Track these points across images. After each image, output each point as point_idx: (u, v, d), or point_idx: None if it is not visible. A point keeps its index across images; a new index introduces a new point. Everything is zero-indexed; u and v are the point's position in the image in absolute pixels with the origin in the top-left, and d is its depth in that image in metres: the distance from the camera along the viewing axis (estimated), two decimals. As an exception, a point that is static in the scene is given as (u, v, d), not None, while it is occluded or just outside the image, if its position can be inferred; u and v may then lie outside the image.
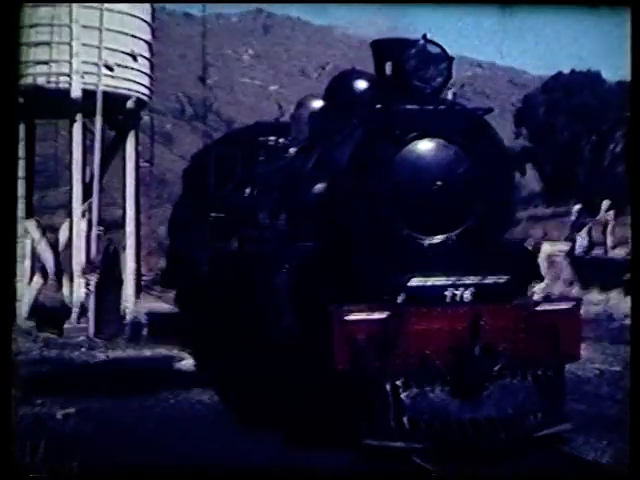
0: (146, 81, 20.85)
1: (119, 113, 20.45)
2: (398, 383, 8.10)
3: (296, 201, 10.05)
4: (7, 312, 8.96)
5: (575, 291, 24.88)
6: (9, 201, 8.45)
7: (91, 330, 18.69)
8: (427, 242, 8.95)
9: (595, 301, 23.85)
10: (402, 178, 8.87)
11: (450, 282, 8.67)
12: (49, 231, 21.08)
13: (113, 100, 19.68)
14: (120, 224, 21.28)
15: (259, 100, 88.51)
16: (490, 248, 9.01)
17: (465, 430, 8.17)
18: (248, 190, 12.27)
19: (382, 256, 8.61)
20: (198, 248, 14.16)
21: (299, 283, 8.73)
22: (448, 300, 8.66)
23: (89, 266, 19.35)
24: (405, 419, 8.10)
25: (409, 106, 9.07)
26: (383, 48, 9.60)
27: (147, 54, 20.82)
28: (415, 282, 8.52)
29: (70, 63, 18.94)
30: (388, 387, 8.07)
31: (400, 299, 8.43)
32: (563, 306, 9.04)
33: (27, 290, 19.95)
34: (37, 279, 20.30)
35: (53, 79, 19.05)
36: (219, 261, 12.35)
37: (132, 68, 20.14)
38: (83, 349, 16.96)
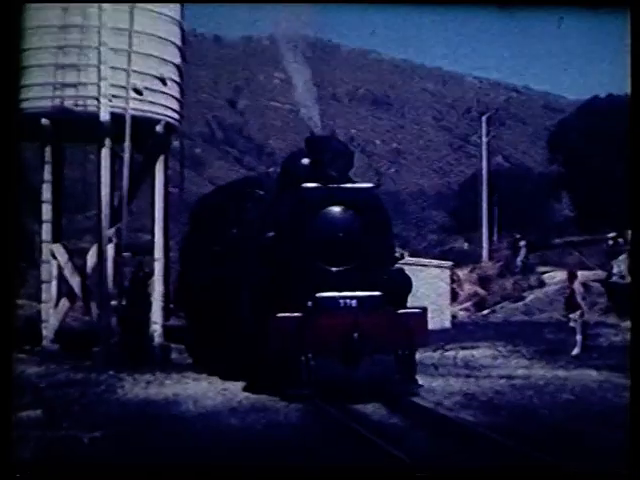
0: (176, 105, 20.63)
1: (148, 137, 20.06)
2: (309, 355, 13.25)
3: (258, 241, 14.98)
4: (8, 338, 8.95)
5: (611, 319, 24.46)
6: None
7: (119, 354, 18.55)
8: (333, 270, 14.22)
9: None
10: (318, 230, 14.30)
11: (342, 295, 13.98)
12: (77, 255, 20.86)
13: (142, 124, 19.49)
14: (149, 249, 20.99)
15: (289, 124, 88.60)
16: (373, 274, 14.29)
17: (348, 384, 13.16)
18: (235, 231, 16.95)
19: (303, 279, 14.04)
20: (201, 272, 18.24)
21: (254, 296, 14.35)
22: (342, 306, 13.95)
23: (117, 290, 19.21)
24: (313, 377, 13.17)
25: (323, 185, 14.51)
26: (310, 144, 15.25)
27: (177, 78, 20.61)
28: (321, 295, 13.88)
29: (98, 86, 18.84)
30: (303, 358, 13.23)
31: (310, 304, 13.70)
32: (414, 311, 14.25)
33: (53, 313, 19.80)
34: (64, 303, 20.13)
35: (81, 102, 18.92)
36: (214, 281, 16.96)
37: (161, 92, 19.96)
38: (110, 372, 16.72)
